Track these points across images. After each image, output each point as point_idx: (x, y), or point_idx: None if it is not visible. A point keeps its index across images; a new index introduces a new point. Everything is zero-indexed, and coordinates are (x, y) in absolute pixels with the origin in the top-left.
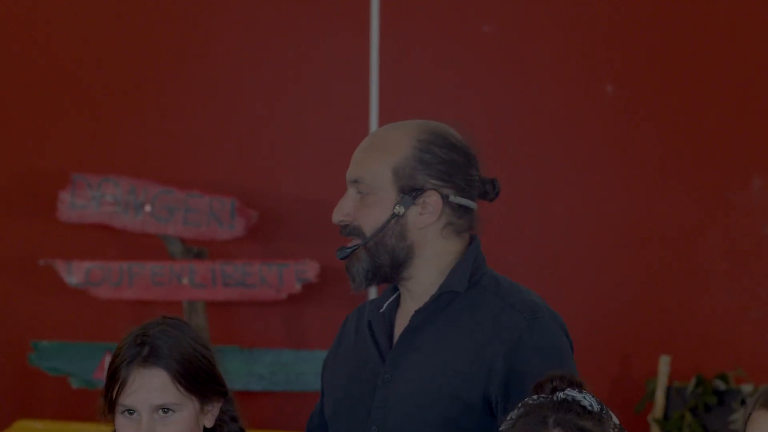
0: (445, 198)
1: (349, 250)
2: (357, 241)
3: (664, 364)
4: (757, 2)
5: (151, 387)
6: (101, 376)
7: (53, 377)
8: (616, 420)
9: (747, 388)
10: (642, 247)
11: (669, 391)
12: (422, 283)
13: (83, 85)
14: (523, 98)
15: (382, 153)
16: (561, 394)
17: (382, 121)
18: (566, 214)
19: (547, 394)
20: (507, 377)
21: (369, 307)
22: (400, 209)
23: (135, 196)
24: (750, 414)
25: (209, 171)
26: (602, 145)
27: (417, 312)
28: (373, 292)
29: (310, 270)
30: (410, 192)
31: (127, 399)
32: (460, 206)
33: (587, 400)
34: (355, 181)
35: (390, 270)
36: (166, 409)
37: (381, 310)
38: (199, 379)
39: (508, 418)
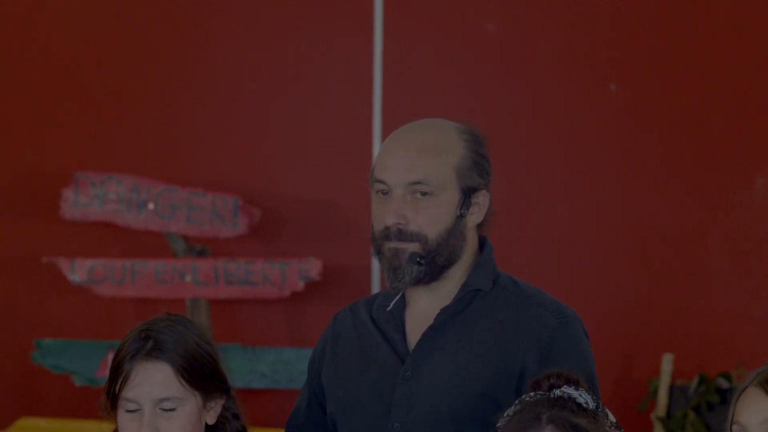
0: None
1: (423, 259)
2: (413, 245)
3: (666, 362)
4: (760, 2)
5: (154, 381)
6: (104, 374)
7: (56, 375)
8: (612, 418)
9: None
10: (645, 247)
11: (672, 389)
12: (451, 282)
13: (86, 83)
14: (525, 97)
15: (442, 155)
16: (557, 392)
17: (385, 120)
18: (569, 214)
19: (544, 391)
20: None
21: (368, 305)
22: (463, 210)
23: (138, 194)
24: (744, 389)
25: (212, 169)
26: (605, 144)
27: (443, 310)
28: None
29: (313, 268)
30: (469, 192)
31: (130, 392)
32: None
33: (583, 397)
34: (417, 183)
35: (441, 270)
36: (168, 406)
37: (388, 309)
38: (202, 374)
39: (505, 414)
